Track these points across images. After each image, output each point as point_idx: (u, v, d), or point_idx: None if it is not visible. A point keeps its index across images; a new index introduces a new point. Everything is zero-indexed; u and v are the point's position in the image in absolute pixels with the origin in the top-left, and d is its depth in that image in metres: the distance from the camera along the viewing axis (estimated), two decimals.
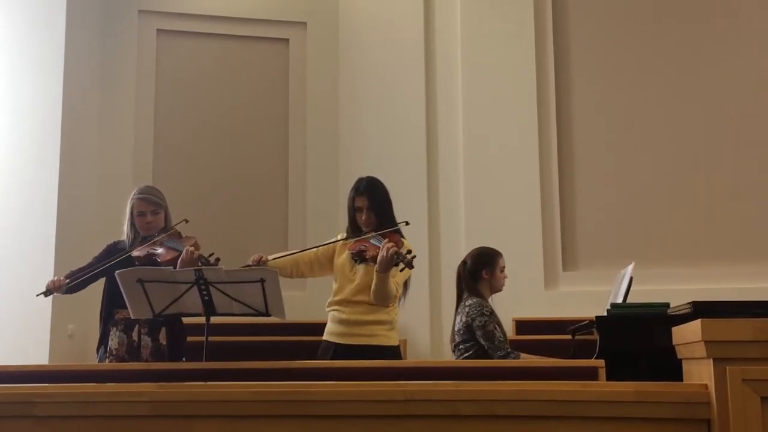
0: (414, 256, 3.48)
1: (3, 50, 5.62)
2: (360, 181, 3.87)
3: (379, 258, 3.50)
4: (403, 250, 3.48)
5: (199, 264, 3.70)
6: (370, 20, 6.43)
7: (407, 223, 3.77)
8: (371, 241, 3.66)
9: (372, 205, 3.77)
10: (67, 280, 3.94)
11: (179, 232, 4.02)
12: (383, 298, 3.63)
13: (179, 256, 3.82)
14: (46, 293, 3.92)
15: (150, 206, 4.05)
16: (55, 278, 3.95)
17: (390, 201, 3.85)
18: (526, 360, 3.99)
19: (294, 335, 5.31)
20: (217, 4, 6.43)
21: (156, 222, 4.06)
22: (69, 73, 5.60)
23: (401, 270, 3.50)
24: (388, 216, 3.79)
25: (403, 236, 3.80)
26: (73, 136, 5.62)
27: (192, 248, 3.78)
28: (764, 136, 5.91)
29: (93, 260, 4.11)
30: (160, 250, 3.90)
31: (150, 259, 3.87)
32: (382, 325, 3.74)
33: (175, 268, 3.74)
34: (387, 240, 3.58)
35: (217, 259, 3.79)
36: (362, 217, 3.79)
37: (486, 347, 4.04)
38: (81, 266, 4.08)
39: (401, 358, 4.12)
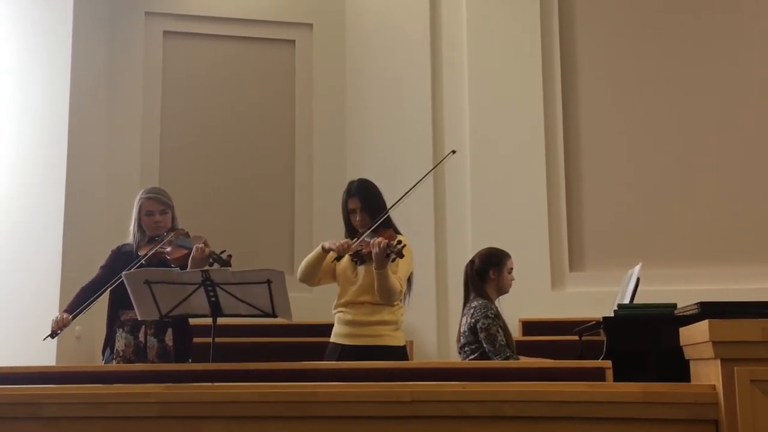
0: (404, 246, 3.55)
1: (10, 52, 5.64)
2: (351, 183, 3.91)
3: (373, 256, 3.55)
4: (393, 242, 3.53)
5: (211, 261, 3.72)
6: (376, 21, 6.44)
7: (454, 152, 3.77)
8: (366, 239, 3.68)
9: (364, 206, 3.81)
10: (71, 316, 3.87)
11: (187, 232, 4.04)
12: (388, 295, 3.65)
13: (189, 254, 3.83)
14: (53, 335, 3.85)
15: (159, 206, 4.07)
16: (57, 317, 3.87)
17: (382, 200, 3.88)
18: (530, 362, 3.98)
19: (301, 336, 5.32)
20: (223, 6, 6.44)
21: (164, 222, 4.07)
22: (76, 75, 5.62)
23: (392, 260, 3.53)
24: (381, 214, 3.80)
25: (398, 231, 3.84)
26: (80, 137, 5.64)
27: (202, 245, 3.79)
28: None
29: (102, 270, 4.08)
30: (168, 249, 3.92)
31: (159, 258, 3.88)
32: (387, 325, 3.74)
33: (186, 266, 3.75)
34: (377, 236, 3.62)
35: (230, 256, 3.81)
36: (356, 219, 3.83)
37: (487, 350, 4.02)
38: (90, 280, 4.06)
39: (408, 359, 4.12)
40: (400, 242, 3.56)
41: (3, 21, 5.66)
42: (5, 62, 5.63)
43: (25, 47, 5.63)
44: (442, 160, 3.93)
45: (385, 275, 3.59)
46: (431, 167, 5.94)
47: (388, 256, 3.52)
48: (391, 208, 3.82)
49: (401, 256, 3.53)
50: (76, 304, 3.94)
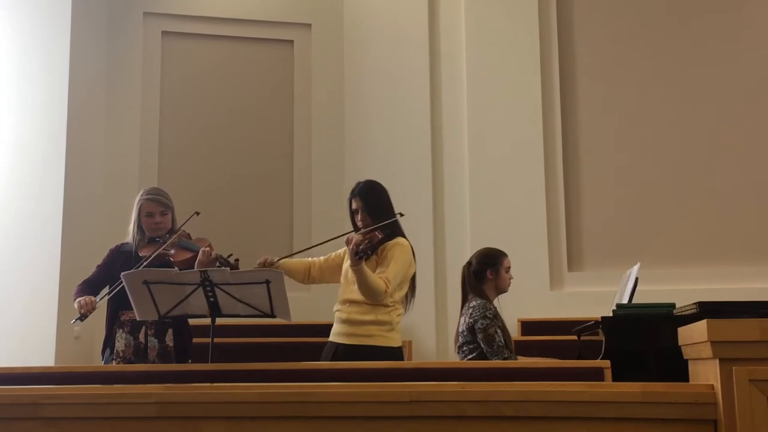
0: (369, 245, 3.61)
1: (9, 53, 5.64)
2: (357, 184, 3.95)
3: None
4: (364, 240, 3.60)
5: (218, 264, 3.72)
6: (374, 21, 6.44)
7: (401, 215, 3.83)
8: None
9: (366, 207, 3.85)
10: (97, 299, 3.82)
11: (189, 233, 4.03)
12: (370, 294, 3.66)
13: (193, 256, 3.83)
14: (82, 318, 3.76)
15: (159, 207, 4.06)
16: (82, 298, 3.78)
17: (386, 202, 3.89)
18: (528, 362, 3.98)
19: (299, 336, 5.32)
20: (221, 6, 6.44)
21: (164, 223, 4.07)
22: (75, 75, 5.62)
23: (358, 258, 3.56)
24: (383, 216, 3.82)
25: (403, 234, 3.84)
26: (78, 137, 5.64)
27: (208, 248, 3.80)
28: None
29: (98, 269, 4.07)
30: (172, 251, 3.92)
31: (163, 260, 3.87)
32: (381, 325, 3.73)
33: (191, 269, 3.74)
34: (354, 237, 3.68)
35: (237, 260, 3.81)
36: (359, 219, 3.87)
37: (485, 351, 4.03)
38: (88, 277, 4.04)
39: (402, 360, 4.11)
40: (369, 241, 3.61)
41: (1, 21, 5.66)
42: (4, 62, 5.63)
43: (23, 47, 5.63)
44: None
45: (361, 273, 3.61)
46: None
47: (356, 253, 3.55)
48: (391, 219, 3.80)
49: (366, 255, 3.58)
50: (88, 293, 3.88)
